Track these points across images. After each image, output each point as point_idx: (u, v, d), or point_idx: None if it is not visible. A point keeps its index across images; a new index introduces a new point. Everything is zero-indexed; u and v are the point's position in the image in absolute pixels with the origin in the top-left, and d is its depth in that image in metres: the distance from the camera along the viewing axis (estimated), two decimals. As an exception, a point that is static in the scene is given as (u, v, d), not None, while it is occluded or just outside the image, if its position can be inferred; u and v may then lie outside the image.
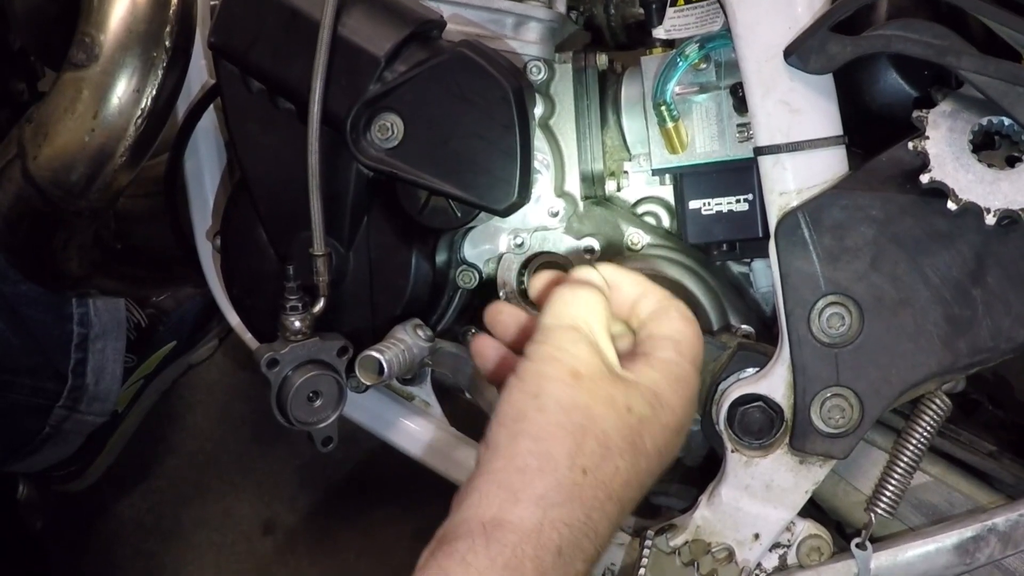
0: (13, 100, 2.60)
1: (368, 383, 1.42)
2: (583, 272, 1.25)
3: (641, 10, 1.57)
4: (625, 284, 1.26)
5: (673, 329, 1.23)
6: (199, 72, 1.61)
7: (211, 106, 1.62)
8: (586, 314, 1.20)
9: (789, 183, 1.30)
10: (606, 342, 1.20)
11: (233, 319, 1.68)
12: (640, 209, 1.58)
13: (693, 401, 1.21)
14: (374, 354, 1.40)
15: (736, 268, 1.55)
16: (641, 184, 1.58)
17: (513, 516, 1.08)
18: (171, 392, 2.72)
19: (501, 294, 1.55)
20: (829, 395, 1.32)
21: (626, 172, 1.58)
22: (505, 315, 1.31)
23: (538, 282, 1.29)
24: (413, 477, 1.67)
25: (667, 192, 1.55)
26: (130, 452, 2.63)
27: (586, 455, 1.13)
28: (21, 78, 2.61)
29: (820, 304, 1.30)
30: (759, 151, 1.31)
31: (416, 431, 1.63)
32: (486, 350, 1.31)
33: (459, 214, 1.43)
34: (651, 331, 1.23)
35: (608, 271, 1.26)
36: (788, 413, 1.35)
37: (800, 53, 1.25)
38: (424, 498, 1.63)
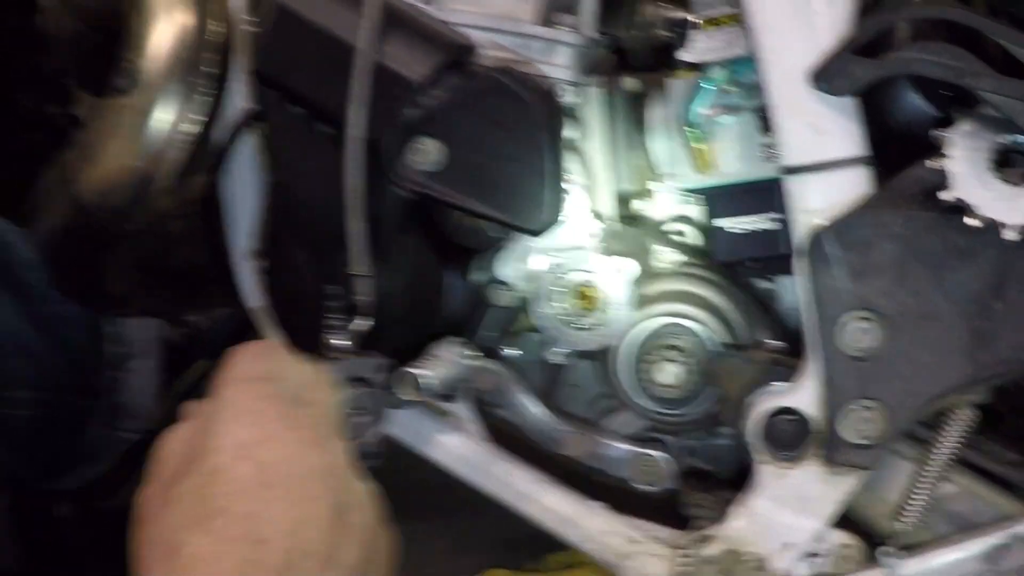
0: (47, 123, 2.64)
1: (407, 399, 1.45)
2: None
3: (667, 33, 1.59)
4: None
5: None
6: (237, 96, 1.63)
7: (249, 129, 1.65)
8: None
9: (815, 202, 1.33)
10: None
11: (272, 338, 1.70)
12: (668, 227, 1.60)
13: None
14: (413, 371, 1.42)
15: (763, 283, 1.57)
16: (669, 203, 1.60)
17: None
18: (206, 409, 2.73)
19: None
20: (856, 407, 1.34)
21: (654, 191, 1.60)
22: None
23: None
24: (450, 492, 1.69)
25: (695, 211, 1.57)
26: (166, 469, 2.64)
27: None
28: (55, 101, 2.65)
29: (846, 319, 1.33)
30: (785, 171, 1.34)
31: (454, 446, 1.64)
32: None
33: (493, 234, 1.46)
34: None
35: None
36: (817, 425, 1.38)
37: (824, 76, 1.28)
38: (461, 513, 1.65)
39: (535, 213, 1.39)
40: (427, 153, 1.39)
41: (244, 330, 2.68)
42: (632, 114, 1.57)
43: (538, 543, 1.71)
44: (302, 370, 1.18)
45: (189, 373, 1.48)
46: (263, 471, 1.04)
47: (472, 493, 1.66)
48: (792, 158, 1.33)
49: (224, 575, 0.98)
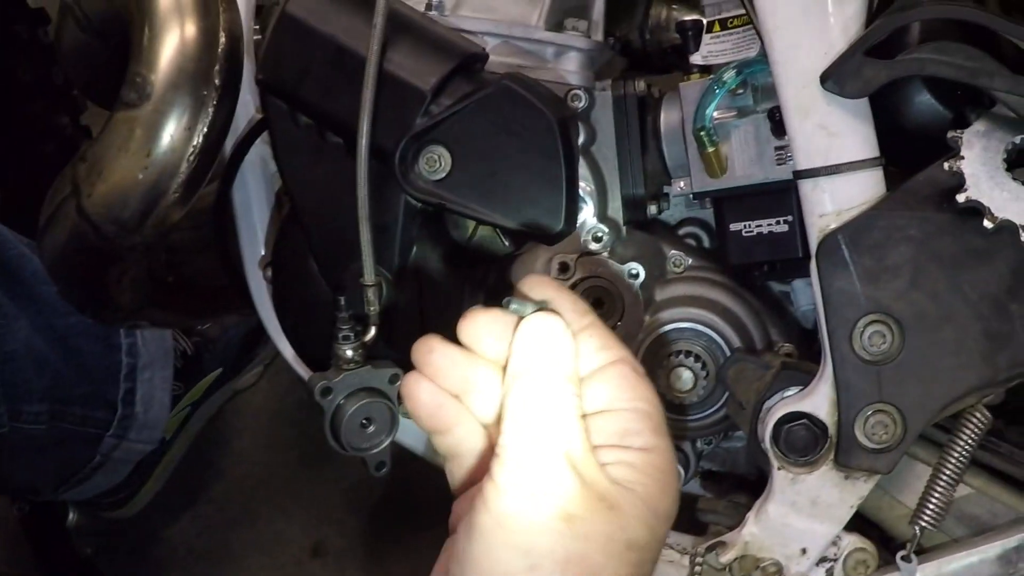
0: (58, 133, 2.65)
1: (420, 409, 1.44)
2: (539, 328, 1.09)
3: (677, 35, 1.59)
4: (568, 314, 1.11)
5: (636, 396, 1.07)
6: (246, 106, 1.63)
7: (258, 139, 1.65)
8: (565, 422, 1.03)
9: (828, 205, 1.32)
10: (588, 455, 1.03)
11: (283, 347, 1.70)
12: (681, 231, 1.60)
13: (676, 487, 1.08)
14: (426, 382, 1.42)
15: (777, 287, 1.57)
16: (682, 207, 1.60)
17: None
18: (218, 418, 2.75)
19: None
20: (872, 411, 1.34)
21: (667, 195, 1.60)
22: (438, 356, 1.15)
23: (482, 329, 1.14)
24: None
25: (708, 215, 1.57)
26: (178, 478, 2.65)
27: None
28: (64, 112, 2.66)
29: (862, 323, 1.32)
30: (798, 175, 1.33)
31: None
32: (421, 395, 1.15)
33: (506, 242, 1.46)
34: (610, 400, 1.07)
35: (555, 297, 1.13)
36: (832, 430, 1.37)
37: (836, 78, 1.27)
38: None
39: (550, 221, 1.38)
40: (438, 162, 1.38)
41: (254, 339, 2.70)
42: (644, 118, 1.56)
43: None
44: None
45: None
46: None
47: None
48: (805, 161, 1.33)
49: None
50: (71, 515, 2.54)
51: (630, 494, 1.03)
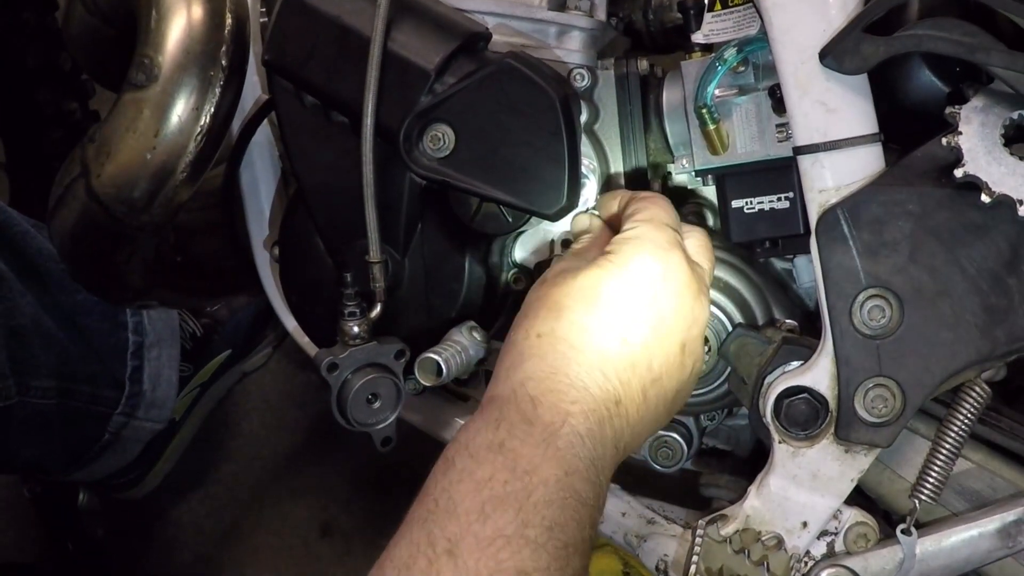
0: (66, 119, 2.66)
1: (427, 384, 1.45)
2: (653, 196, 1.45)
3: (679, 15, 1.60)
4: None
5: (644, 210, 1.40)
6: (252, 87, 1.64)
7: (265, 119, 1.66)
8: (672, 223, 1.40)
9: (828, 181, 1.33)
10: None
11: (291, 325, 1.71)
12: (684, 209, 1.61)
13: (658, 254, 1.34)
14: (432, 356, 1.43)
15: (779, 264, 1.57)
16: (684, 184, 1.61)
17: (495, 391, 1.26)
18: (227, 399, 2.76)
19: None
20: (872, 385, 1.35)
21: (669, 173, 1.61)
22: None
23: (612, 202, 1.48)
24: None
25: (710, 192, 1.57)
26: (188, 459, 2.67)
27: (540, 321, 1.29)
28: (73, 97, 2.67)
29: (861, 297, 1.33)
30: (798, 151, 1.34)
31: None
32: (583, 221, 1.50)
33: (510, 219, 1.46)
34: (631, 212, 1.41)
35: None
36: (833, 404, 1.38)
37: (835, 54, 1.28)
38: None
39: (552, 198, 1.40)
40: (442, 140, 1.40)
41: (263, 321, 2.71)
42: (646, 96, 1.57)
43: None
44: (688, 229, 1.46)
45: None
46: (655, 294, 1.32)
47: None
48: (804, 137, 1.34)
49: (591, 349, 1.28)
50: (81, 496, 2.56)
51: (615, 256, 1.34)
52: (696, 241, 1.45)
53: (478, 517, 1.11)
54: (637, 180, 1.57)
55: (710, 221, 1.59)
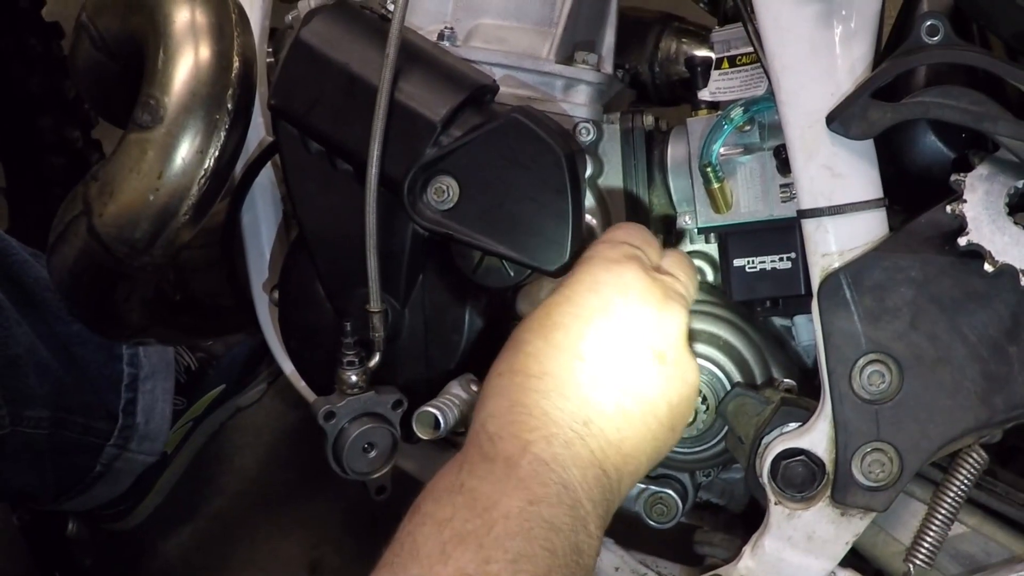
0: (68, 147, 2.66)
1: (425, 438, 1.45)
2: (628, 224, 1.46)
3: (686, 69, 1.60)
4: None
5: (605, 234, 1.43)
6: (257, 128, 1.64)
7: (268, 162, 1.66)
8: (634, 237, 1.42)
9: (831, 245, 1.33)
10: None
11: (288, 369, 1.71)
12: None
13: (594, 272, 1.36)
14: (431, 410, 1.42)
15: (778, 321, 1.57)
16: (687, 241, 1.61)
17: (469, 433, 1.28)
18: (219, 434, 2.75)
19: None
20: (870, 450, 1.34)
21: (672, 230, 1.61)
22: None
23: None
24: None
25: (712, 249, 1.57)
26: (178, 493, 2.65)
27: (501, 360, 1.32)
28: (75, 125, 2.67)
29: (861, 362, 1.33)
30: (802, 214, 1.34)
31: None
32: None
33: (512, 273, 1.46)
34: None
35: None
36: (830, 467, 1.38)
37: (842, 119, 1.28)
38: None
39: (554, 254, 1.40)
40: (447, 192, 1.40)
41: (258, 357, 2.71)
42: (651, 152, 1.57)
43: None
44: (666, 251, 1.47)
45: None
46: (606, 306, 1.32)
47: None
48: (809, 201, 1.33)
49: (548, 374, 1.28)
50: (71, 525, 2.54)
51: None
52: (673, 257, 1.47)
53: (439, 558, 1.11)
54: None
55: (711, 278, 1.59)
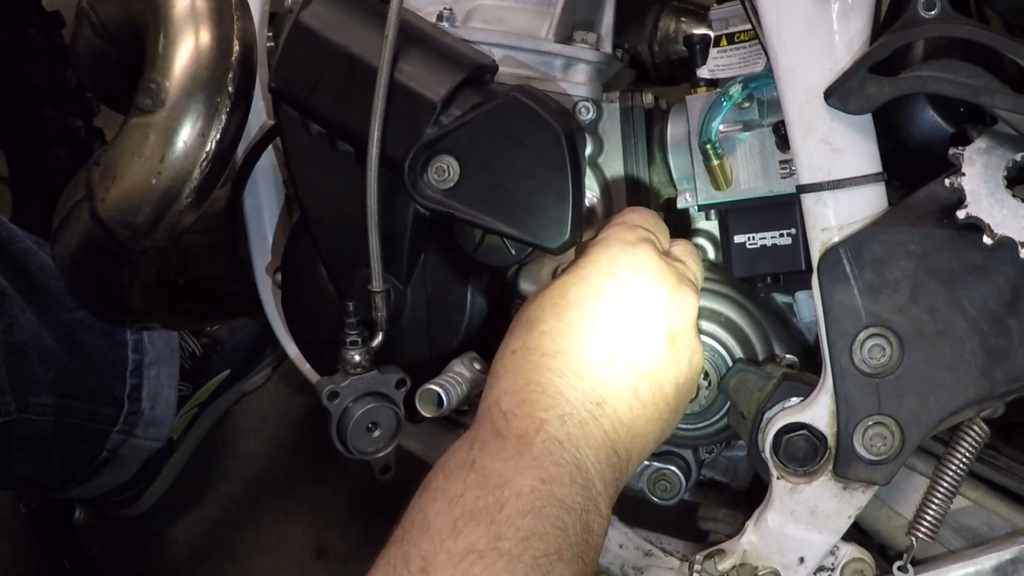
0: (70, 136, 2.66)
1: (428, 415, 1.45)
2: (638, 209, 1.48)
3: (684, 47, 1.60)
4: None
5: (617, 217, 1.45)
6: (258, 112, 1.64)
7: (269, 145, 1.66)
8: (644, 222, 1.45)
9: (831, 219, 1.33)
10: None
11: (292, 351, 1.71)
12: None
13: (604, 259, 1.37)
14: (434, 388, 1.43)
15: (780, 298, 1.58)
16: (687, 219, 1.61)
17: (480, 409, 1.28)
18: (225, 420, 2.76)
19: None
20: (871, 423, 1.35)
21: (672, 207, 1.61)
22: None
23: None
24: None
25: (712, 226, 1.57)
26: (184, 479, 2.66)
27: (514, 338, 1.32)
28: (78, 115, 2.67)
29: (862, 336, 1.33)
30: (801, 189, 1.34)
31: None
32: None
33: (513, 252, 1.46)
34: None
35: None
36: (831, 441, 1.38)
37: (840, 94, 1.28)
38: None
39: (555, 232, 1.40)
40: (447, 171, 1.40)
41: (263, 342, 2.71)
42: (650, 130, 1.58)
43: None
44: (674, 239, 1.50)
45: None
46: (623, 287, 1.34)
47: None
48: (808, 176, 1.34)
49: (562, 353, 1.29)
50: (77, 513, 2.55)
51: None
52: (682, 246, 1.48)
53: (450, 534, 1.11)
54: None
55: (712, 255, 1.59)
